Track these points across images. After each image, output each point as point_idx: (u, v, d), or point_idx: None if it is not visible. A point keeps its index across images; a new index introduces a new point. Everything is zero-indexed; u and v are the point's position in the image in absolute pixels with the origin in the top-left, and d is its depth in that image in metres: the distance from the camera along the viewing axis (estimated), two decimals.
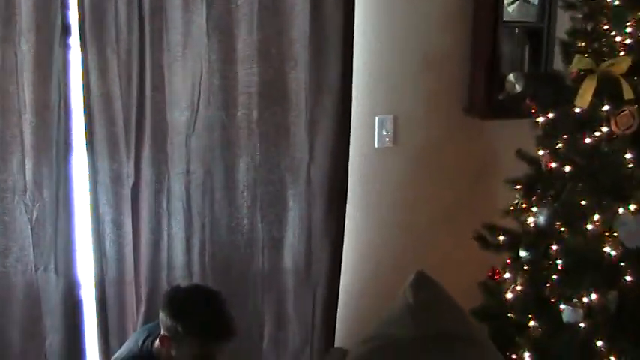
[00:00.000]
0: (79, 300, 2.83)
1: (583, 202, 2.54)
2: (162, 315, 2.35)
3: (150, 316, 2.85)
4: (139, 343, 2.48)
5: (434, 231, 3.32)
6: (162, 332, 2.36)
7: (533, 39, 3.20)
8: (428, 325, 1.97)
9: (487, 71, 3.15)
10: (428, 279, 2.10)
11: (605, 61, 2.51)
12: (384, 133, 3.16)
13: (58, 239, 2.75)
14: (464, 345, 1.95)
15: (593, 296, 2.52)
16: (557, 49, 3.08)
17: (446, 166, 3.29)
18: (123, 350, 2.54)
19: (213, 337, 2.37)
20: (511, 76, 3.16)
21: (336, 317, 3.15)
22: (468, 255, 3.09)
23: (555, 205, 2.64)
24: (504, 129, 3.26)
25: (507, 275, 2.89)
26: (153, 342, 2.43)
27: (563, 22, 2.86)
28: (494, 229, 2.90)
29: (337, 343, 3.19)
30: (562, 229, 2.62)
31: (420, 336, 1.93)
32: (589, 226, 2.54)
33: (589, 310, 2.56)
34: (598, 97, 2.51)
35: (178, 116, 2.78)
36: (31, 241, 2.74)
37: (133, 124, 2.75)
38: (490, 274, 2.96)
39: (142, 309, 2.90)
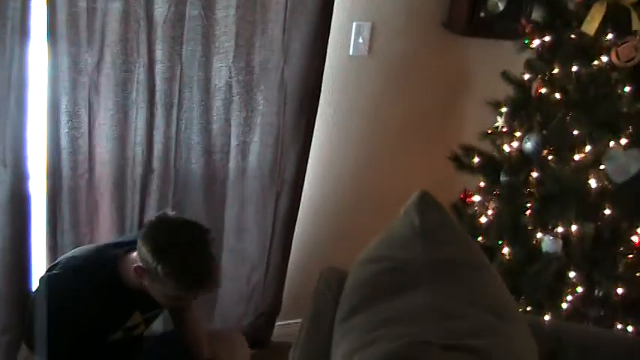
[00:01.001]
0: (27, 195, 2.57)
1: (575, 132, 2.48)
2: (143, 247, 2.16)
3: (107, 214, 2.70)
4: (107, 246, 2.30)
5: (401, 147, 3.23)
6: (138, 261, 2.19)
7: None
8: (436, 249, 1.87)
9: None
10: (432, 200, 1.99)
11: None
12: (360, 41, 3.00)
13: (7, 128, 2.46)
14: (474, 271, 1.87)
15: (574, 227, 2.50)
16: None
17: (420, 81, 3.16)
18: (90, 246, 2.37)
19: (193, 288, 2.22)
20: None
21: (294, 230, 3.04)
22: (437, 174, 3.01)
23: (544, 132, 2.57)
24: (483, 48, 3.16)
25: (477, 199, 2.85)
26: (127, 252, 2.26)
27: None
28: (470, 151, 2.83)
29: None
30: (549, 157, 2.56)
31: (429, 260, 1.83)
32: (576, 157, 2.50)
33: (565, 241, 2.55)
34: (603, 25, 2.42)
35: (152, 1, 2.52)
36: None
37: (98, 6, 2.47)
38: (462, 196, 2.90)
39: (98, 205, 2.71)
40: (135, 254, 2.23)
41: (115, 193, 2.68)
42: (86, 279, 2.22)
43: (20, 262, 2.58)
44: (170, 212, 2.34)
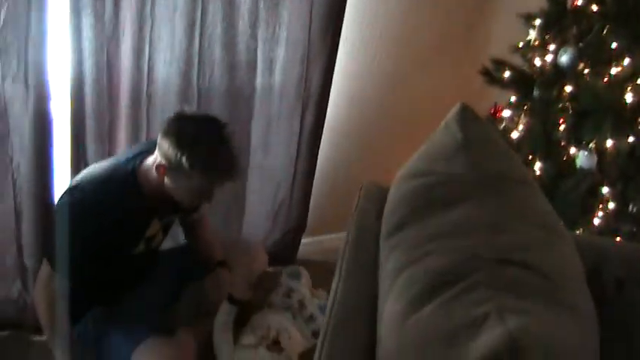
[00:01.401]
0: (49, 114, 2.51)
1: (613, 45, 2.42)
2: (165, 143, 2.09)
3: (124, 130, 2.67)
4: (125, 160, 2.25)
5: (427, 62, 3.16)
6: (159, 160, 2.13)
7: None
8: (481, 162, 1.82)
9: None
10: (472, 113, 1.93)
11: None
12: None
13: (28, 47, 2.39)
14: (520, 185, 1.84)
15: (608, 142, 2.46)
16: None
17: None
18: (105, 162, 2.32)
19: (219, 176, 2.17)
20: None
21: (319, 146, 3.01)
22: (464, 90, 2.95)
23: (580, 45, 2.51)
24: None
25: (508, 113, 2.80)
26: (141, 162, 2.21)
27: None
28: (501, 65, 2.77)
29: None
30: (585, 70, 2.50)
31: (475, 174, 1.79)
32: (613, 70, 2.44)
33: (599, 156, 2.51)
34: None
35: None
36: None
37: None
38: (492, 111, 2.85)
39: (119, 120, 2.67)
40: (149, 160, 2.18)
41: (133, 109, 2.64)
42: (114, 195, 2.17)
43: (45, 184, 2.55)
44: (187, 109, 2.29)
